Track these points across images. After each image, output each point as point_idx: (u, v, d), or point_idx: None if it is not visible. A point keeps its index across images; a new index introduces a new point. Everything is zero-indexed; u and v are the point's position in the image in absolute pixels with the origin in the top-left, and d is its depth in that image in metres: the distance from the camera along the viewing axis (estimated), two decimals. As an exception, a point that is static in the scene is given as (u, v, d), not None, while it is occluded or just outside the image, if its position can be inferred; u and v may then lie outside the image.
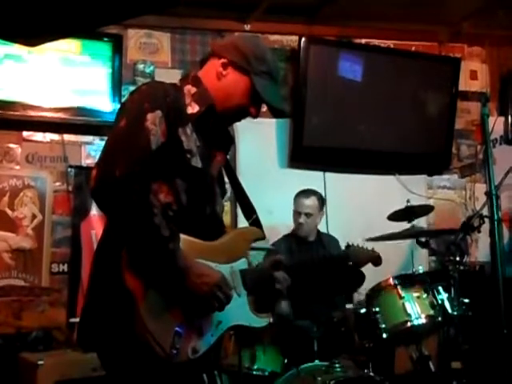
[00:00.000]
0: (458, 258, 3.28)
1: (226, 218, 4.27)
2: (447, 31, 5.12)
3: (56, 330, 3.92)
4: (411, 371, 3.61)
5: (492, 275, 3.11)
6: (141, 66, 4.47)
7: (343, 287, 3.68)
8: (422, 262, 4.44)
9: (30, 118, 4.03)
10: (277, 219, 4.07)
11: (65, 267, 4.13)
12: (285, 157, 4.69)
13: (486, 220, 3.02)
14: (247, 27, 4.65)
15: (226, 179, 2.14)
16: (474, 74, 5.29)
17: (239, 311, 1.94)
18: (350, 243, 3.43)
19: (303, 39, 4.51)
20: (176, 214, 1.82)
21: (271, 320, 2.22)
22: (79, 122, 4.15)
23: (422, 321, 3.25)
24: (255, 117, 2.03)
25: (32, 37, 2.42)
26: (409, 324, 3.24)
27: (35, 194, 4.13)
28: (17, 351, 3.61)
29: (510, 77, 5.23)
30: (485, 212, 3.09)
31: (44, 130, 4.18)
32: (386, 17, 4.80)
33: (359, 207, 4.64)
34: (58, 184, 4.20)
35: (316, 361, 3.18)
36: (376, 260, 3.39)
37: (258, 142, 4.59)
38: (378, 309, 3.29)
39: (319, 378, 2.98)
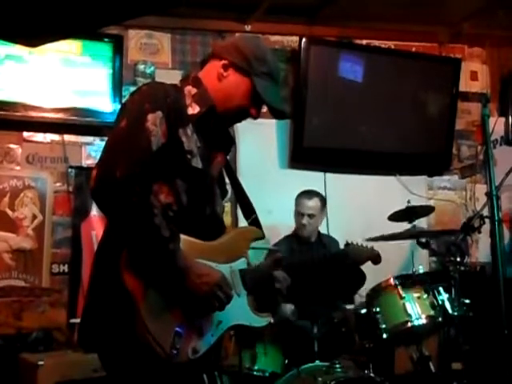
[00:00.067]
0: (458, 259, 3.28)
1: (227, 219, 4.27)
2: (447, 32, 5.12)
3: (56, 330, 3.92)
4: (411, 372, 3.61)
5: (492, 276, 3.11)
6: (141, 67, 4.47)
7: (344, 287, 3.68)
8: (423, 263, 4.43)
9: (30, 119, 4.03)
10: (277, 219, 4.07)
11: (65, 268, 4.14)
12: (285, 157, 4.69)
13: (487, 221, 3.01)
14: (248, 28, 4.65)
15: (227, 180, 2.15)
16: (475, 74, 5.29)
17: (239, 311, 1.94)
18: (350, 242, 3.43)
19: (304, 40, 4.51)
20: (176, 215, 1.82)
21: (272, 320, 2.22)
22: (80, 123, 4.15)
23: (423, 321, 3.25)
24: (256, 118, 2.03)
25: (33, 37, 2.43)
26: (409, 324, 3.24)
27: (35, 195, 4.13)
28: (17, 352, 3.61)
29: (511, 77, 5.23)
30: (485, 213, 3.09)
31: (44, 131, 4.19)
32: (386, 17, 4.80)
33: (360, 208, 4.64)
34: (58, 184, 4.21)
35: (316, 361, 3.18)
36: (375, 258, 3.38)
37: (259, 143, 4.59)
38: (378, 309, 3.29)
39: (320, 379, 2.98)
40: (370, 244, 3.48)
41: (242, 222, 2.22)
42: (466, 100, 5.19)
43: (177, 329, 1.75)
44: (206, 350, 1.82)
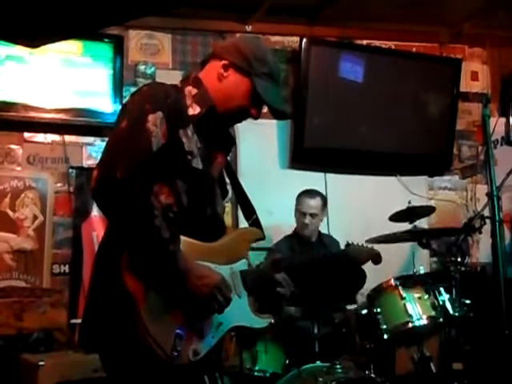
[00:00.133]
0: (459, 259, 3.28)
1: (227, 219, 4.27)
2: (448, 32, 5.12)
3: (57, 331, 3.92)
4: (412, 372, 3.61)
5: (493, 276, 3.12)
6: (142, 67, 4.47)
7: (345, 287, 3.67)
8: (423, 263, 4.42)
9: (31, 119, 4.03)
10: (277, 220, 4.07)
11: (66, 268, 4.14)
12: (286, 158, 4.69)
13: (488, 221, 3.02)
14: (248, 28, 4.65)
15: (227, 180, 2.14)
16: (475, 74, 5.29)
17: (240, 312, 1.94)
18: (350, 242, 3.43)
19: (304, 40, 4.51)
20: (177, 216, 1.81)
21: (272, 321, 2.21)
22: (80, 123, 4.16)
23: (424, 322, 3.25)
24: (256, 118, 2.03)
25: (34, 38, 2.43)
26: (410, 325, 3.24)
27: (36, 195, 4.13)
28: (18, 352, 3.61)
29: (511, 78, 5.23)
30: (486, 213, 3.09)
31: (45, 131, 4.19)
32: (386, 18, 4.80)
33: (360, 208, 4.64)
34: (59, 185, 4.21)
35: (317, 362, 3.19)
36: (376, 258, 3.37)
37: (259, 143, 4.59)
38: (379, 309, 3.29)
39: (320, 379, 2.98)
40: (370, 245, 3.48)
41: (243, 223, 2.22)
42: (466, 100, 5.19)
43: (177, 331, 1.75)
44: (206, 351, 1.81)
